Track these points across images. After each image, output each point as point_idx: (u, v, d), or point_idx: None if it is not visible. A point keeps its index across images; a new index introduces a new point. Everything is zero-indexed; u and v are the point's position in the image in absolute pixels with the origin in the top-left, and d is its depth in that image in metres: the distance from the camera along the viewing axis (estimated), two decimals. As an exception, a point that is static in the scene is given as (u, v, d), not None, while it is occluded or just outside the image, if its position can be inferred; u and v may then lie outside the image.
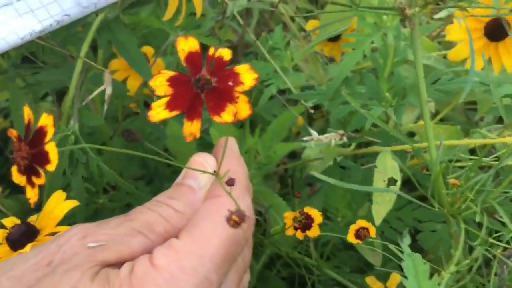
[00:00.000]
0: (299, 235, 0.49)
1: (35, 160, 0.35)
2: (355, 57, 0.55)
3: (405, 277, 0.35)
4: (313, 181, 0.72)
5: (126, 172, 0.61)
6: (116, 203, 0.57)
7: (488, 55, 0.55)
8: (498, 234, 0.40)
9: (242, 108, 0.32)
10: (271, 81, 0.65)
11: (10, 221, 0.40)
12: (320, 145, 0.55)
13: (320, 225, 0.61)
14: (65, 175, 0.51)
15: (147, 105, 0.63)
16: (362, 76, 0.59)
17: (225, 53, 0.33)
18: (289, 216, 0.50)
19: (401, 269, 0.60)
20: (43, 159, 0.34)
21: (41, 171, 0.35)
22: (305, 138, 0.54)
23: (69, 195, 0.49)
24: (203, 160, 0.37)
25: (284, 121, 0.54)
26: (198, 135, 0.32)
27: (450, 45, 0.63)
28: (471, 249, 0.56)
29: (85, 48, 0.44)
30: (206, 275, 0.32)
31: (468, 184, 0.39)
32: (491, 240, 0.39)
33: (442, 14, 0.64)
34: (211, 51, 0.33)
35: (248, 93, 0.33)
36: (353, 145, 0.60)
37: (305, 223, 0.49)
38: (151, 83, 0.31)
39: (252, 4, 0.67)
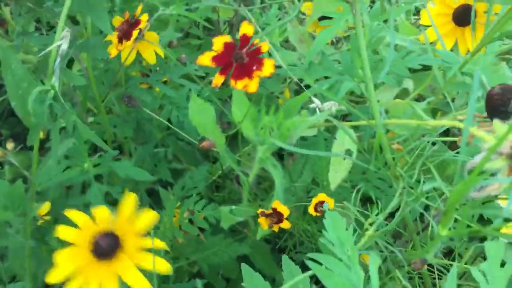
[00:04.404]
0: (275, 228, 0.60)
1: None
2: (330, 32, 0.59)
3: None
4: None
5: (120, 134, 0.67)
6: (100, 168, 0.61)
7: (455, 38, 0.58)
8: (431, 194, 0.45)
9: (253, 84, 0.49)
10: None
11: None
12: (324, 112, 0.60)
13: (309, 189, 0.68)
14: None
15: (143, 75, 0.69)
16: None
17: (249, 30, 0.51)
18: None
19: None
20: None
21: None
22: (311, 106, 0.59)
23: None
24: None
25: (297, 101, 0.58)
26: (219, 85, 0.47)
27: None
28: (422, 216, 0.61)
29: (63, 15, 0.48)
30: None
31: (406, 149, 0.44)
32: (423, 200, 0.43)
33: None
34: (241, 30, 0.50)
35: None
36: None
37: (278, 220, 0.59)
38: (198, 61, 0.49)
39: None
